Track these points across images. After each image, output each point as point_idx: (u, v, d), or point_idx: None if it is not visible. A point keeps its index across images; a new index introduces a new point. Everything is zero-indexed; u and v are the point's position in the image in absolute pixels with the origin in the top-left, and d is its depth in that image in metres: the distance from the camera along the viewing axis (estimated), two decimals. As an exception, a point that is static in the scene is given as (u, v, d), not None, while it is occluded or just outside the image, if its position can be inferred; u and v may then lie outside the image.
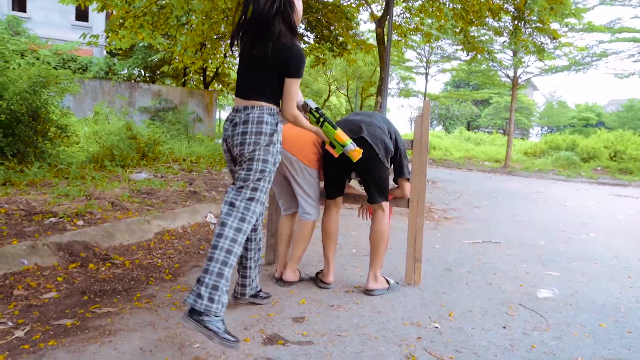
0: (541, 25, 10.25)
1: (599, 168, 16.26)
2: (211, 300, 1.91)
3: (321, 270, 2.99)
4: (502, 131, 38.67)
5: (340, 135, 2.32)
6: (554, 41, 11.78)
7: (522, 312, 2.62)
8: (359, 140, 2.54)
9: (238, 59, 2.21)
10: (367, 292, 2.79)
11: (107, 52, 20.31)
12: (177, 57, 9.70)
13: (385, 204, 2.81)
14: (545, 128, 46.17)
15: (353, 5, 13.79)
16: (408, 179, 2.94)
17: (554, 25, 11.26)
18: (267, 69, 2.10)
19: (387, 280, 2.89)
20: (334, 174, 2.80)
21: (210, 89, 20.16)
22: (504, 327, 2.39)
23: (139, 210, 4.23)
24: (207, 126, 17.04)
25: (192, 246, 3.71)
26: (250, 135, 2.06)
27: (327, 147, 2.42)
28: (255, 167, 2.06)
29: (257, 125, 2.07)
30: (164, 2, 8.73)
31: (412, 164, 2.95)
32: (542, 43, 11.30)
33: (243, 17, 2.13)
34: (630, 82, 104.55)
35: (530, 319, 2.52)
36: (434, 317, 2.49)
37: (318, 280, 2.93)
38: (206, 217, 4.58)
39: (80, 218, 3.69)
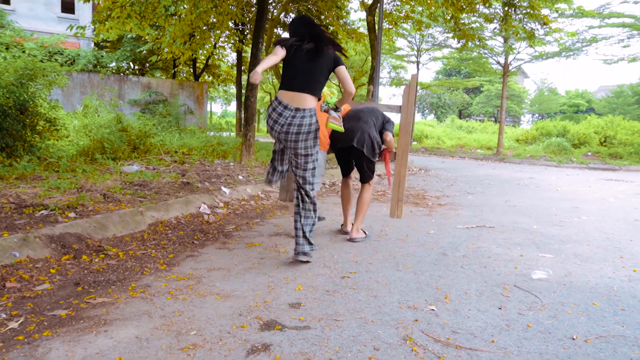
0: (531, 11, 10.24)
1: (589, 153, 16.40)
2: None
3: (341, 225, 4.16)
4: (493, 119, 38.84)
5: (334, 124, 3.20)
6: (545, 27, 11.77)
7: (517, 293, 2.64)
8: (350, 148, 3.69)
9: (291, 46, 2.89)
10: (351, 240, 3.77)
11: (94, 44, 20.03)
12: (165, 48, 9.57)
13: (371, 182, 3.92)
14: (537, 115, 46.40)
15: (343, -7, 13.67)
16: (388, 132, 3.81)
17: (544, 11, 11.25)
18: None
19: (364, 232, 3.88)
20: (344, 162, 3.97)
21: (200, 80, 19.99)
22: (500, 308, 2.41)
23: (132, 202, 4.19)
24: (199, 118, 16.91)
25: (186, 236, 3.68)
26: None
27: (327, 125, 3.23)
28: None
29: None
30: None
31: (400, 125, 3.70)
32: (532, 29, 11.31)
33: (305, 33, 2.93)
34: (619, 68, 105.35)
35: (525, 300, 2.54)
36: (430, 300, 2.50)
37: (341, 231, 4.08)
38: (199, 208, 4.55)
39: (72, 210, 3.64)
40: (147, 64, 20.14)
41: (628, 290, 2.75)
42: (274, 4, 14.43)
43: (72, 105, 13.90)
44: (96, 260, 2.94)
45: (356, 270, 2.97)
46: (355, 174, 4.16)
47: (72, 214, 3.55)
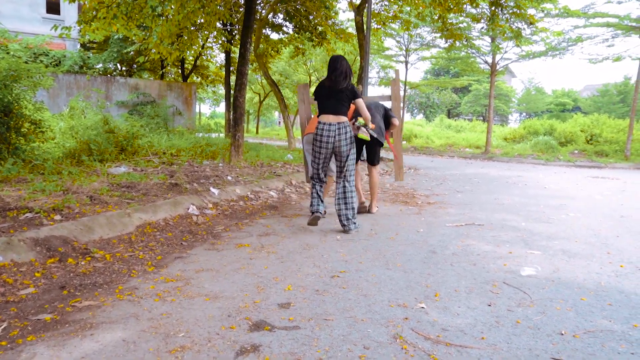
0: (518, 11, 10.34)
1: (576, 151, 16.61)
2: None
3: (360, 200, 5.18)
4: (481, 118, 39.16)
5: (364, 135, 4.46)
6: (531, 26, 11.90)
7: (507, 290, 2.66)
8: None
9: (323, 93, 4.17)
10: (370, 212, 5.06)
11: (80, 45, 19.78)
12: (153, 49, 9.49)
13: (378, 166, 5.09)
14: (524, 114, 46.89)
15: (331, -7, 13.67)
16: (394, 121, 5.03)
17: (531, 11, 11.39)
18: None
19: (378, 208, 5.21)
20: (358, 148, 4.83)
21: (189, 81, 19.85)
22: (489, 305, 2.42)
23: (119, 204, 4.14)
24: (187, 119, 16.79)
25: (175, 238, 3.65)
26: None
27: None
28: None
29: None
30: (137, -8, 8.50)
31: (393, 110, 5.22)
32: (519, 28, 11.41)
33: (331, 78, 4.12)
34: (605, 67, 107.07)
35: (515, 296, 2.56)
36: (420, 297, 2.50)
37: (359, 207, 5.06)
38: (188, 209, 4.51)
39: (58, 213, 3.58)
40: (135, 65, 19.96)
41: (615, 286, 2.78)
42: (262, 4, 14.40)
43: (58, 107, 13.72)
44: (82, 263, 2.90)
45: (346, 270, 2.96)
46: (360, 168, 5.30)
47: (57, 217, 3.49)
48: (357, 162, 4.99)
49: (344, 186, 4.14)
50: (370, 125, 4.42)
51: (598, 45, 19.05)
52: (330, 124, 4.05)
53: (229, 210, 4.84)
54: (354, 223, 4.10)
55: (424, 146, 19.48)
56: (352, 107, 4.58)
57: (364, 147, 4.94)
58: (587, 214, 5.38)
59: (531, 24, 11.24)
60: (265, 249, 3.43)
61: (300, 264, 3.05)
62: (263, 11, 14.14)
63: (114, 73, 19.81)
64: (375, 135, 4.64)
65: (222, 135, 17.79)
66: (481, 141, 18.65)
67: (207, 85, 24.67)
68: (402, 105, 6.00)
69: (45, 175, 5.12)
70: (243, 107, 7.52)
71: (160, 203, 4.34)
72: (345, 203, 4.09)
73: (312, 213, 4.16)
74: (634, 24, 14.77)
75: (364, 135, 4.40)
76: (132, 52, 17.72)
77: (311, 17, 14.17)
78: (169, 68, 21.50)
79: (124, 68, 20.40)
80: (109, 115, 8.67)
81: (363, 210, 5.05)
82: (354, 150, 4.16)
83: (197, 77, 22.43)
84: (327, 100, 4.12)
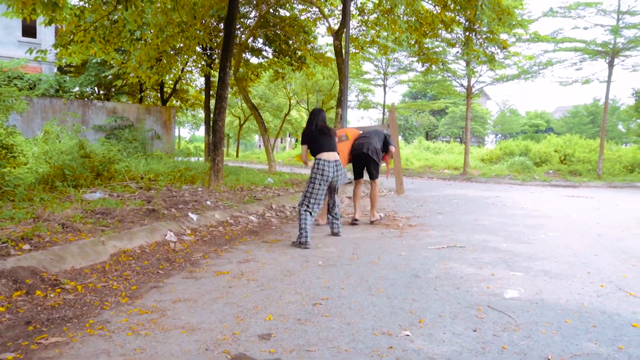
0: (491, 36, 10.68)
1: (551, 171, 17.00)
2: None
3: (354, 215, 5.84)
4: (459, 139, 39.91)
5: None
6: (504, 51, 12.27)
7: (491, 314, 2.62)
8: (363, 155, 5.70)
9: (311, 133, 4.92)
10: (372, 222, 5.78)
11: (57, 69, 19.51)
12: (131, 73, 9.41)
13: (378, 180, 5.91)
14: (500, 135, 48.01)
15: (310, 19, 13.92)
16: (391, 148, 5.93)
17: (503, 36, 11.77)
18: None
19: (379, 216, 5.97)
20: (359, 168, 5.84)
21: (168, 105, 19.73)
22: (475, 330, 2.37)
23: (93, 231, 3.99)
24: (166, 143, 16.61)
25: (151, 266, 3.52)
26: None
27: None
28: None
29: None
30: (116, 16, 8.47)
31: (392, 137, 6.32)
32: (492, 53, 11.76)
33: (316, 123, 4.93)
34: (575, 89, 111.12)
35: (500, 320, 2.52)
36: (404, 324, 2.44)
37: (352, 220, 5.74)
38: (165, 236, 4.38)
39: (27, 242, 3.43)
40: (113, 89, 19.76)
41: (597, 306, 2.78)
42: (242, 29, 14.53)
43: (33, 131, 13.39)
44: (51, 295, 2.75)
45: (328, 296, 2.89)
46: (363, 180, 6.12)
47: (26, 246, 3.34)
48: (359, 180, 5.93)
49: (335, 202, 5.08)
50: (351, 134, 5.82)
51: (567, 69, 19.83)
52: (329, 162, 4.75)
53: (208, 236, 4.73)
54: (339, 225, 5.10)
55: (404, 168, 19.66)
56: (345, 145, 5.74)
57: (364, 167, 5.86)
58: (565, 233, 5.45)
59: (504, 48, 11.61)
60: (245, 276, 3.34)
61: (281, 292, 2.97)
62: (243, 36, 14.26)
63: (91, 97, 19.56)
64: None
65: (202, 159, 17.64)
66: (459, 162, 18.94)
67: (187, 109, 24.56)
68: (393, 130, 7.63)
69: (16, 202, 4.93)
70: (222, 131, 7.47)
71: (137, 230, 4.21)
72: (335, 213, 5.05)
73: (301, 244, 4.43)
74: (599, 48, 15.42)
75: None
76: (110, 76, 17.58)
77: (290, 42, 14.35)
78: (147, 92, 21.34)
79: (102, 92, 20.17)
80: (85, 139, 8.50)
81: (354, 222, 5.76)
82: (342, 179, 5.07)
83: (177, 101, 22.33)
84: (321, 141, 4.85)
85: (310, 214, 4.63)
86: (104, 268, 3.35)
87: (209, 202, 6.14)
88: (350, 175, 6.04)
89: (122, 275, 3.23)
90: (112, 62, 13.70)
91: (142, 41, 9.25)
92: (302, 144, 5.05)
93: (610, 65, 15.47)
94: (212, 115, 14.00)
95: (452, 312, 2.65)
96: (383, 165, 6.21)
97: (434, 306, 2.74)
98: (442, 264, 3.80)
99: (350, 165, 6.05)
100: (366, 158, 5.63)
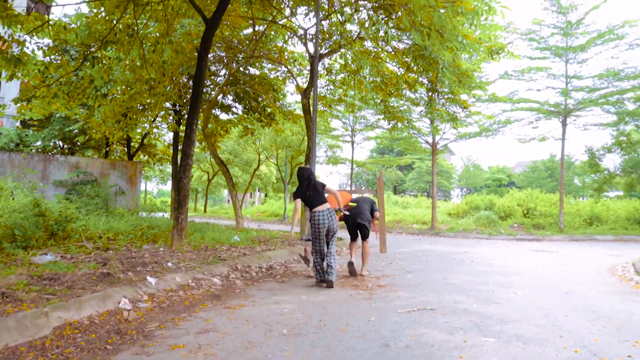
0: (452, 96, 11.19)
1: (515, 225, 17.38)
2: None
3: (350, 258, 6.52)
4: (426, 194, 40.72)
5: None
6: (465, 110, 12.85)
7: (465, 389, 2.47)
8: (357, 223, 6.48)
9: (304, 193, 5.70)
10: (361, 275, 6.42)
11: (20, 122, 19.01)
12: (94, 129, 9.23)
13: (368, 240, 6.69)
14: (465, 189, 49.38)
15: (279, 77, 14.27)
16: (376, 214, 6.85)
17: (464, 96, 12.35)
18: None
19: (368, 271, 6.72)
20: (354, 231, 6.66)
21: (135, 160, 19.38)
22: (448, 410, 2.21)
23: (37, 301, 3.65)
24: (131, 198, 16.12)
25: (99, 340, 3.21)
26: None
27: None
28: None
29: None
30: (81, 73, 8.41)
31: (379, 202, 7.40)
32: (454, 112, 12.27)
33: (307, 182, 5.71)
34: (533, 145, 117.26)
35: (474, 397, 2.37)
36: (373, 405, 2.25)
37: (349, 264, 6.40)
38: (119, 303, 4.07)
39: (-43, 316, 3.08)
40: (78, 143, 19.31)
41: (572, 376, 2.67)
42: (212, 86, 14.71)
43: (-14, 187, 12.74)
44: (-23, 381, 2.42)
45: (293, 372, 2.67)
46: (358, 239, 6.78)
47: (-45, 322, 2.99)
48: (355, 240, 6.73)
49: (331, 252, 5.68)
50: (343, 198, 6.39)
51: (525, 127, 20.88)
52: (322, 212, 5.56)
53: (166, 302, 4.42)
54: (333, 274, 5.57)
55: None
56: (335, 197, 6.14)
57: (358, 230, 6.63)
58: (534, 291, 5.42)
59: (465, 108, 12.15)
60: (203, 349, 3.08)
61: (241, 368, 2.73)
62: (213, 92, 14.41)
63: (54, 151, 19.02)
64: (347, 213, 6.34)
65: (168, 214, 17.16)
66: (427, 217, 19.15)
67: (155, 164, 24.20)
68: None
69: (-47, 268, 4.52)
70: (187, 189, 7.28)
71: (87, 298, 3.88)
72: (330, 262, 5.61)
73: (322, 281, 5.59)
74: (552, 109, 16.41)
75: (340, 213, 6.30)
76: (76, 130, 17.24)
77: (260, 99, 14.59)
78: (114, 146, 20.98)
79: (66, 146, 19.67)
80: (41, 196, 8.10)
81: (351, 266, 6.39)
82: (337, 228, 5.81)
83: (145, 155, 21.99)
84: (313, 197, 5.65)
85: (322, 258, 5.62)
86: (43, 344, 3.02)
87: (170, 264, 5.83)
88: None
89: (63, 353, 2.91)
90: (77, 117, 13.50)
91: (108, 97, 9.17)
92: (294, 199, 5.83)
93: (564, 124, 16.41)
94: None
95: (424, 387, 2.48)
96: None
97: (405, 381, 2.57)
98: (413, 329, 3.64)
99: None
100: (360, 225, 6.55)
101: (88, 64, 7.99)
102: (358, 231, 6.67)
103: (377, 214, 6.85)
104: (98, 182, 15.08)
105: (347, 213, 6.36)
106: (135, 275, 4.93)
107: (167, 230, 8.86)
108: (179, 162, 16.57)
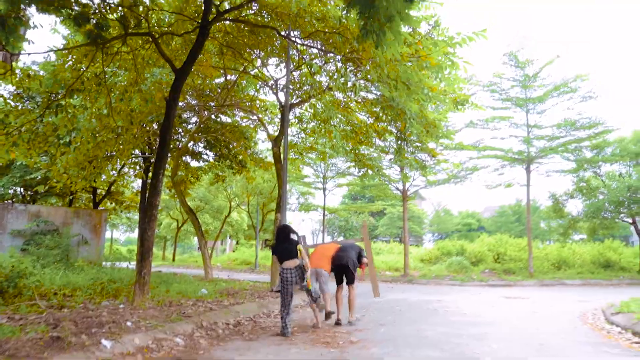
0: (420, 145, 11.45)
1: (487, 270, 17.47)
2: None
3: (337, 316, 6.68)
4: (398, 239, 40.81)
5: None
6: (433, 158, 13.13)
7: None
8: (343, 266, 6.78)
9: (275, 247, 6.25)
10: (350, 322, 6.67)
11: (-23, 170, 18.21)
12: (55, 179, 8.89)
13: (355, 284, 6.89)
14: (436, 234, 49.84)
15: (251, 125, 14.35)
16: (364, 260, 7.08)
17: (431, 145, 12.65)
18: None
19: (356, 317, 6.92)
20: (340, 276, 6.91)
21: (101, 207, 18.74)
22: None
23: (-28, 373, 3.29)
24: (94, 249, 15.44)
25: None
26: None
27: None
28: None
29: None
30: (45, 120, 8.19)
31: (365, 248, 7.44)
32: (423, 160, 12.53)
33: (283, 239, 6.18)
34: (500, 191, 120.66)
35: None
36: None
37: (336, 321, 6.60)
38: (68, 372, 3.72)
39: None
40: (41, 191, 18.59)
41: None
42: (182, 133, 14.61)
43: None
44: None
45: None
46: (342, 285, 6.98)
47: None
48: (340, 285, 6.92)
49: (289, 305, 6.03)
50: (307, 275, 6.14)
51: (491, 174, 21.46)
52: (290, 269, 5.97)
53: (122, 369, 4.08)
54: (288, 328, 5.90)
55: (346, 270, 19.40)
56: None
57: (344, 275, 6.87)
58: (509, 344, 5.32)
59: (433, 156, 12.43)
60: None
61: None
62: (183, 139, 14.30)
63: (14, 199, 18.22)
64: (312, 291, 6.27)
65: (134, 264, 16.44)
66: (400, 264, 19.05)
67: (122, 211, 23.46)
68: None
69: None
70: (152, 241, 6.99)
71: (31, 367, 3.53)
72: (288, 313, 5.94)
73: (285, 334, 5.78)
74: (516, 156, 17.02)
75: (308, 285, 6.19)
76: (38, 177, 16.63)
77: (231, 146, 14.55)
78: (79, 193, 20.29)
79: (28, 193, 18.88)
80: (-7, 250, 7.60)
81: (337, 322, 6.58)
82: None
83: (112, 203, 21.32)
84: (283, 253, 6.05)
85: (288, 312, 5.89)
86: None
87: (129, 323, 5.45)
88: (331, 283, 6.91)
89: None
90: (37, 165, 13.05)
91: (72, 146, 8.92)
92: (272, 255, 6.70)
93: (528, 171, 16.98)
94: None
95: None
96: (359, 270, 7.28)
97: None
98: (386, 393, 3.45)
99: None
100: (345, 269, 6.77)
101: (52, 111, 7.80)
102: (344, 275, 6.83)
103: (364, 260, 7.05)
104: (59, 231, 14.43)
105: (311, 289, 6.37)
106: (89, 339, 4.56)
107: (130, 284, 8.41)
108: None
